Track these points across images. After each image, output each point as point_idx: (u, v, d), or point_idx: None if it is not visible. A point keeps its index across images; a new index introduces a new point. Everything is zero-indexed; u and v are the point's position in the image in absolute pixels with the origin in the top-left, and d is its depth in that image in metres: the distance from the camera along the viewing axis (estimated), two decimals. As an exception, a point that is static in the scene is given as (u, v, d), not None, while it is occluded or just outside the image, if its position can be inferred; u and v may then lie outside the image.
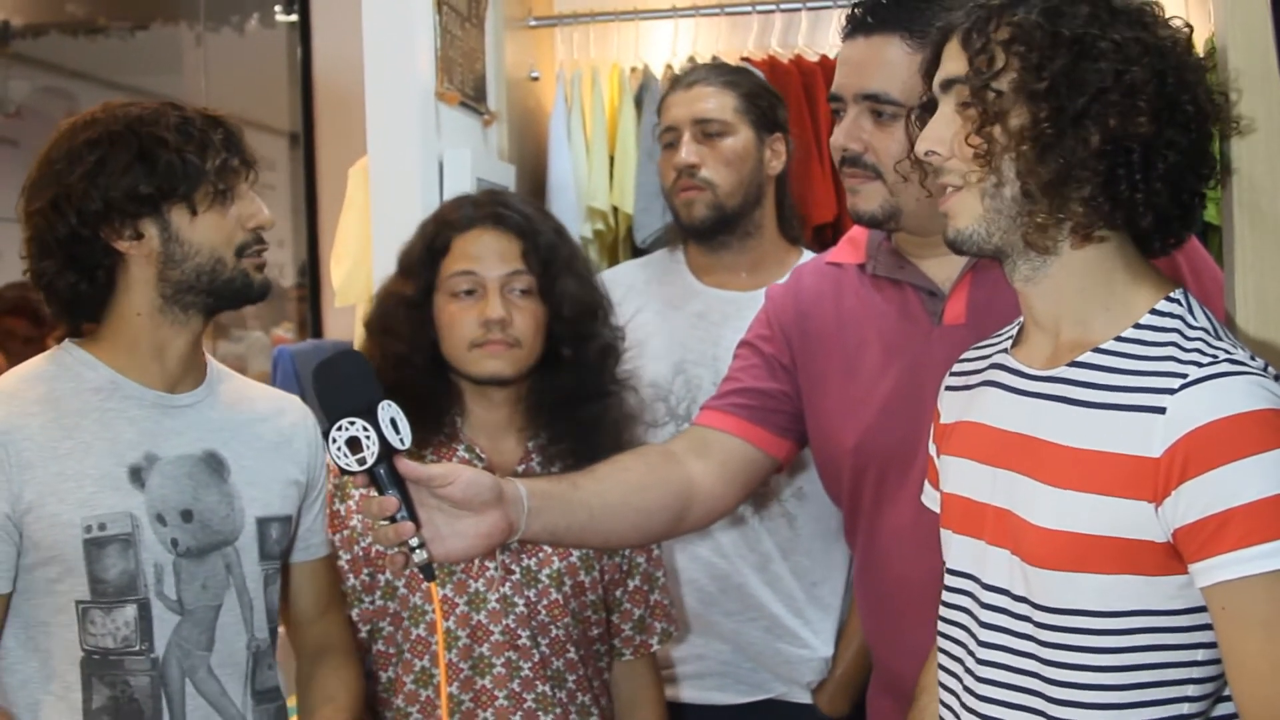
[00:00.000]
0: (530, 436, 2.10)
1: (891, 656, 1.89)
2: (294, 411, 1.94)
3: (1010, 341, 1.53)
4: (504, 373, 2.03)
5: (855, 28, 1.83)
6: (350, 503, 2.06)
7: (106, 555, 1.69)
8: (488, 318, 2.00)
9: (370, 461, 1.49)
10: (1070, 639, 1.36)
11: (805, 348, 1.95)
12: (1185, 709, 1.35)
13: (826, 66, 3.49)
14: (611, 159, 3.58)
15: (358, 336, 2.19)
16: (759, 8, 3.65)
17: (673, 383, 2.53)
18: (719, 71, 2.61)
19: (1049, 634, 1.38)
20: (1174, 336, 1.37)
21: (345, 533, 2.05)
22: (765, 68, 3.36)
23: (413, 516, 1.52)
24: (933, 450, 1.64)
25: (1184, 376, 1.32)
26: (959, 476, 1.52)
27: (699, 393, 2.47)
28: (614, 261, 3.51)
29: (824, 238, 3.27)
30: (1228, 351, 1.34)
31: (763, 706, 2.51)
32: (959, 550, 1.52)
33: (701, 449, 1.91)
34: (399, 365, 2.01)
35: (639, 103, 3.58)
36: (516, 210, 2.10)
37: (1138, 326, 1.39)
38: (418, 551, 1.52)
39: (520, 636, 2.00)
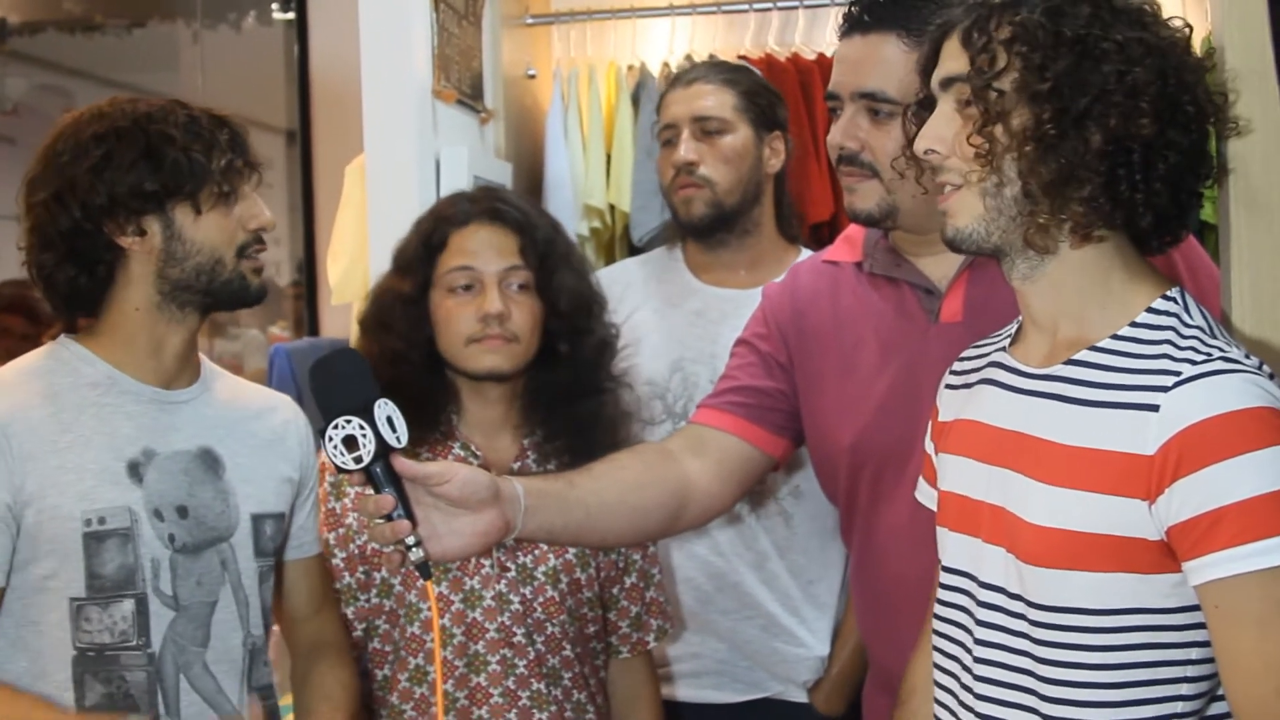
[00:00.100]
0: (526, 434, 2.10)
1: (887, 654, 1.89)
2: (286, 410, 1.94)
3: (1009, 340, 1.53)
4: (502, 368, 2.02)
5: (852, 26, 1.83)
6: (346, 500, 2.05)
7: (105, 550, 1.69)
8: (486, 312, 2.00)
9: (367, 460, 1.49)
10: (1064, 637, 1.36)
11: (802, 346, 1.95)
12: (1179, 707, 1.35)
13: (823, 65, 3.49)
14: (608, 157, 3.58)
15: (354, 335, 2.19)
16: (756, 6, 3.65)
17: (670, 380, 2.53)
18: (718, 69, 2.62)
19: (1043, 632, 1.38)
20: (1169, 335, 1.37)
21: (341, 530, 2.05)
22: (762, 66, 3.36)
23: (409, 515, 1.52)
24: (930, 448, 1.64)
25: (1178, 374, 1.32)
26: (956, 474, 1.52)
27: (696, 391, 2.47)
28: (610, 260, 3.51)
29: (821, 236, 3.27)
30: (1222, 350, 1.34)
31: (759, 705, 2.51)
32: (955, 548, 1.52)
33: (698, 447, 1.91)
34: (395, 362, 2.01)
35: (636, 101, 3.58)
36: (513, 206, 2.10)
37: (1134, 325, 1.39)
38: (414, 550, 1.52)
39: (515, 634, 2.00)
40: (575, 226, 3.49)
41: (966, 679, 1.47)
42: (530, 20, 3.65)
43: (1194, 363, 1.32)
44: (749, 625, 2.48)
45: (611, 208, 3.58)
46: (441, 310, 2.05)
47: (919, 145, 1.45)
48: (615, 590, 2.14)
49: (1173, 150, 1.36)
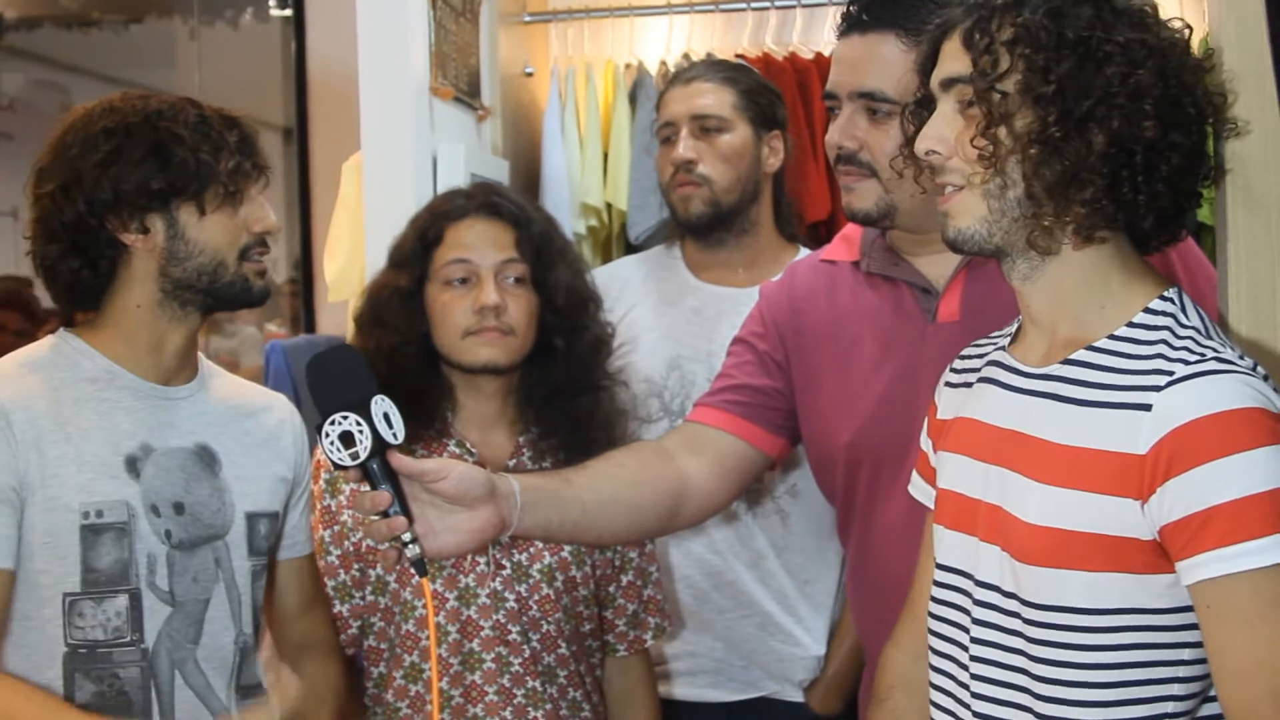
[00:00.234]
0: (521, 431, 2.10)
1: (884, 652, 1.89)
2: (281, 409, 1.94)
3: (1008, 339, 1.54)
4: (498, 361, 2.02)
5: (850, 25, 1.83)
6: (341, 498, 2.05)
7: (101, 543, 1.69)
8: (482, 304, 2.00)
9: (363, 456, 1.49)
10: (1058, 636, 1.36)
11: (799, 345, 1.95)
12: (1170, 708, 1.35)
13: (821, 64, 3.49)
14: (605, 155, 3.58)
15: (351, 332, 2.19)
16: (753, 5, 3.65)
17: (667, 378, 2.53)
18: (718, 68, 2.62)
19: (1038, 631, 1.38)
20: (1164, 335, 1.37)
21: (336, 528, 2.05)
22: (760, 65, 3.36)
23: (405, 511, 1.52)
24: (926, 445, 1.64)
25: (1171, 374, 1.32)
26: (954, 472, 1.52)
27: (693, 389, 2.47)
28: (607, 258, 3.51)
29: (818, 235, 3.27)
30: (1216, 350, 1.34)
31: (755, 704, 2.51)
32: (951, 546, 1.52)
33: (695, 445, 1.91)
34: (391, 357, 2.00)
35: (633, 99, 3.58)
36: (509, 200, 2.10)
37: (1131, 325, 1.39)
38: (410, 547, 1.52)
39: (511, 632, 2.00)
40: (572, 225, 3.49)
41: (963, 677, 1.47)
42: (528, 18, 3.65)
43: (1187, 363, 1.32)
44: (745, 624, 2.48)
45: (608, 206, 3.58)
46: (438, 304, 2.04)
47: (920, 146, 1.45)
48: (611, 588, 2.14)
49: (1175, 152, 1.37)
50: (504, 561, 2.02)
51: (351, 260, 3.15)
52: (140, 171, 1.70)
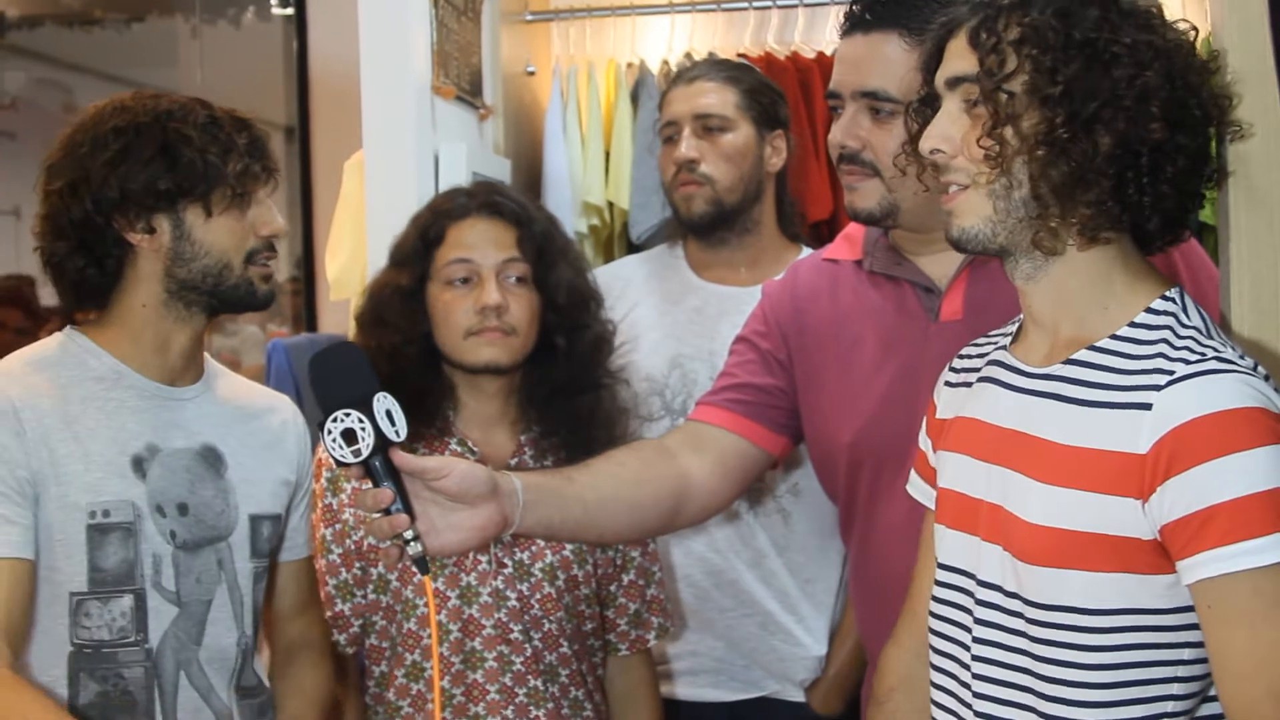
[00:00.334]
0: (523, 429, 2.10)
1: (887, 651, 1.89)
2: (284, 410, 1.94)
3: (1009, 338, 1.53)
4: (500, 360, 2.02)
5: (853, 25, 1.83)
6: (343, 496, 2.05)
7: (108, 543, 1.69)
8: (484, 304, 2.00)
9: (365, 453, 1.49)
10: (1060, 635, 1.36)
11: (801, 344, 1.95)
12: (1169, 707, 1.35)
13: (823, 63, 3.49)
14: (607, 154, 3.58)
15: (352, 331, 2.19)
16: (755, 4, 3.65)
17: (668, 377, 2.53)
18: (721, 68, 2.62)
19: (1040, 630, 1.38)
20: (1166, 334, 1.37)
21: (337, 527, 2.05)
22: (762, 64, 3.36)
23: (407, 509, 1.51)
24: (925, 445, 1.64)
25: (1171, 373, 1.32)
26: (955, 472, 1.52)
27: (695, 387, 2.47)
28: (609, 257, 3.51)
29: (820, 234, 3.27)
30: (1217, 350, 1.34)
31: (756, 704, 2.51)
32: (951, 546, 1.52)
33: (697, 444, 1.91)
34: (392, 357, 2.00)
35: (635, 98, 3.58)
36: (510, 199, 2.10)
37: (1132, 325, 1.39)
38: (412, 544, 1.51)
39: (512, 630, 2.00)
40: (574, 224, 3.49)
41: (965, 676, 1.47)
42: (530, 17, 3.65)
43: (1188, 362, 1.32)
44: (746, 623, 2.48)
45: (610, 205, 3.58)
46: (439, 303, 2.04)
47: (924, 144, 1.45)
48: (613, 587, 2.14)
49: (1181, 154, 1.37)
50: (506, 560, 2.02)
51: (353, 259, 3.15)
52: (148, 171, 1.70)
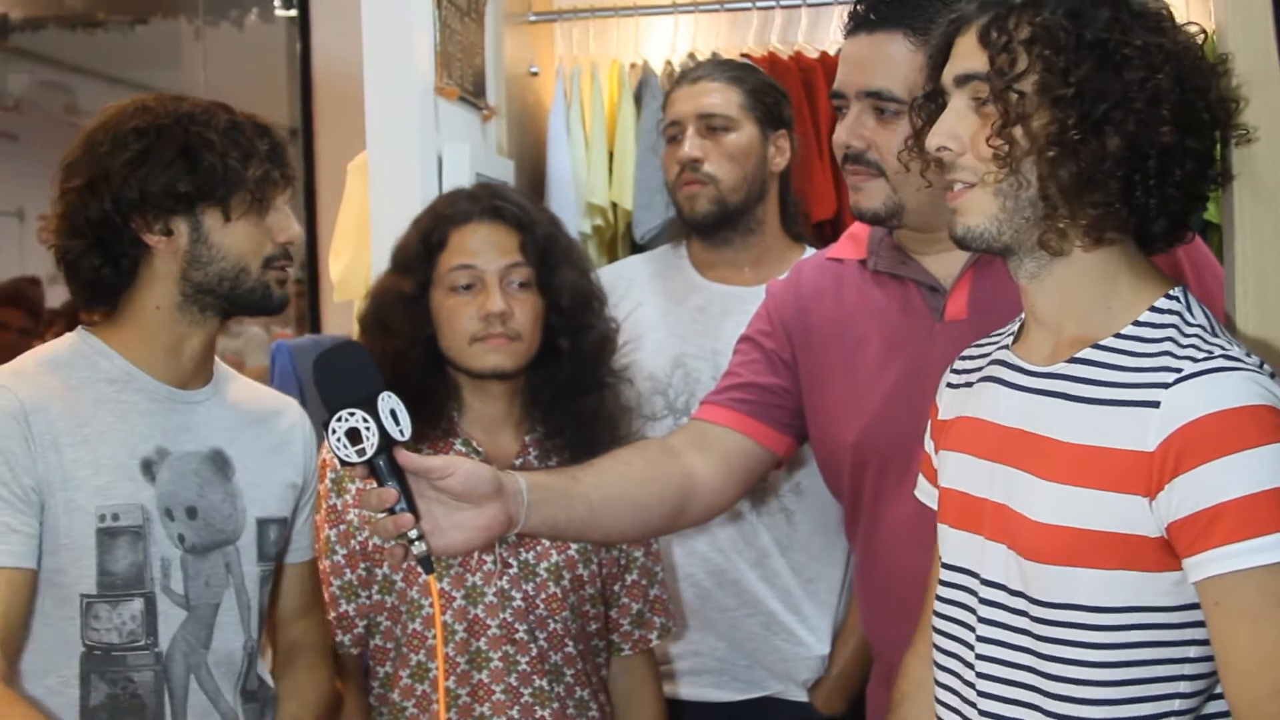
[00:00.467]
0: (527, 430, 2.10)
1: (893, 651, 1.88)
2: (292, 413, 1.94)
3: (1011, 338, 1.53)
4: (505, 366, 2.02)
5: (858, 25, 1.83)
6: (347, 497, 2.05)
7: (117, 546, 1.68)
8: (488, 311, 2.00)
9: (370, 453, 1.49)
10: (1066, 634, 1.36)
11: (806, 343, 1.95)
12: (1176, 705, 1.35)
13: (827, 63, 3.49)
14: (611, 155, 3.58)
15: (356, 333, 2.19)
16: (759, 4, 3.65)
17: (671, 376, 2.53)
18: (725, 67, 2.62)
19: (1045, 629, 1.38)
20: (1171, 333, 1.37)
21: (342, 527, 2.05)
22: (765, 64, 3.36)
23: (412, 509, 1.52)
24: (929, 446, 1.64)
25: (1179, 371, 1.32)
26: (957, 471, 1.52)
27: (698, 386, 2.47)
28: (613, 257, 3.51)
29: (824, 234, 3.27)
30: (1223, 348, 1.34)
31: (759, 704, 2.51)
32: (955, 545, 1.52)
33: (701, 443, 1.91)
34: (396, 361, 2.00)
35: (638, 99, 3.58)
36: (513, 203, 2.09)
37: (1137, 324, 1.39)
38: (417, 544, 1.52)
39: (518, 630, 2.00)
40: (577, 224, 3.49)
41: (969, 675, 1.47)
42: (533, 17, 3.65)
43: (1195, 360, 1.32)
44: (749, 622, 2.48)
45: (614, 205, 3.58)
46: (443, 310, 2.04)
47: (931, 142, 1.45)
48: (616, 587, 2.14)
49: (1189, 157, 1.37)
50: (511, 560, 2.02)
51: (357, 260, 3.15)
52: (168, 173, 1.69)
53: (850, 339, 1.90)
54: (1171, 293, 1.41)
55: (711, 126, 2.50)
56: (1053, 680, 1.38)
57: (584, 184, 3.55)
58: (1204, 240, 2.00)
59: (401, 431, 1.51)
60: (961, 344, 1.65)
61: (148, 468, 1.72)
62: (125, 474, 1.70)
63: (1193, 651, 1.34)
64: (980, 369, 1.56)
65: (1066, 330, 1.44)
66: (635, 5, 3.67)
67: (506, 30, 3.35)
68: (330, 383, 1.51)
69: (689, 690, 2.51)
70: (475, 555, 1.99)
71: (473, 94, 3.07)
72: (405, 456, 1.52)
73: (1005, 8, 1.40)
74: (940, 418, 1.61)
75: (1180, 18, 1.43)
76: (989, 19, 1.40)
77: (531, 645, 2.00)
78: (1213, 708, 1.37)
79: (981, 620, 1.46)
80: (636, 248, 3.45)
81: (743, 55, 3.46)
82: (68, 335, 1.80)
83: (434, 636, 1.99)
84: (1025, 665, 1.41)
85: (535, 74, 3.64)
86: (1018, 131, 1.37)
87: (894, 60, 1.78)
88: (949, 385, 1.62)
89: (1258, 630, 1.27)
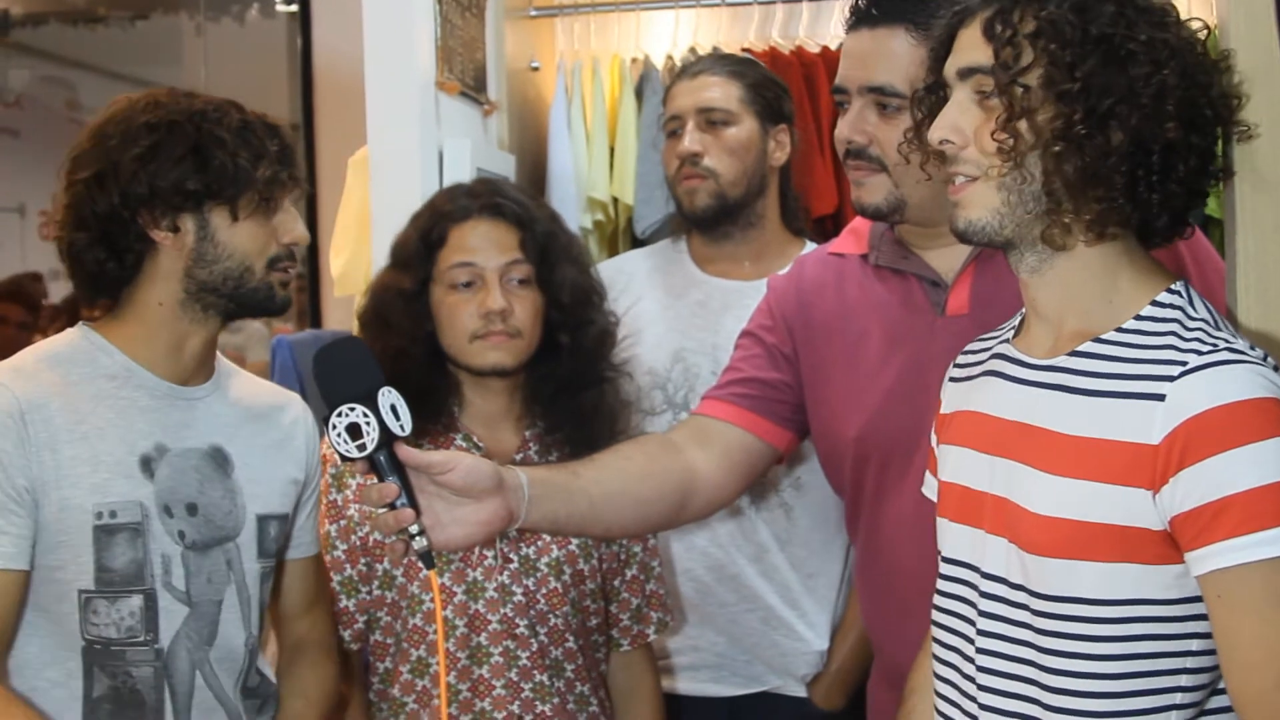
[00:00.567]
0: (527, 425, 2.10)
1: (894, 647, 1.89)
2: (294, 408, 1.93)
3: (1013, 332, 1.53)
4: (505, 364, 2.02)
5: (859, 19, 1.83)
6: (348, 492, 2.05)
7: (115, 543, 1.68)
8: (488, 309, 2.00)
9: (370, 448, 1.49)
10: (1067, 627, 1.36)
11: (807, 338, 1.95)
12: (1178, 698, 1.35)
13: (828, 58, 3.49)
14: (612, 150, 3.57)
15: (356, 327, 2.18)
16: (760, -1, 3.65)
17: (671, 371, 2.53)
18: (725, 62, 2.62)
19: (1046, 622, 1.38)
20: (1174, 326, 1.37)
21: (342, 522, 2.05)
22: (766, 59, 3.35)
23: (413, 503, 1.52)
24: (934, 441, 1.64)
25: (1184, 364, 1.32)
26: (957, 465, 1.52)
27: (697, 381, 2.47)
28: (614, 252, 3.51)
29: (825, 229, 3.27)
30: (1227, 341, 1.34)
31: (758, 699, 2.51)
32: (956, 539, 1.52)
33: (702, 438, 1.91)
34: (397, 358, 1.99)
35: (639, 94, 3.57)
36: (512, 199, 2.09)
37: (1138, 318, 1.39)
38: (417, 539, 1.52)
39: (518, 625, 2.00)
40: (578, 219, 3.49)
41: (968, 669, 1.47)
42: (534, 13, 3.64)
43: (1200, 353, 1.32)
44: (748, 617, 2.48)
45: (615, 200, 3.58)
46: (443, 307, 2.04)
47: (934, 135, 1.44)
48: (616, 582, 2.14)
49: (1192, 153, 1.37)
50: (511, 555, 2.02)
51: (357, 255, 3.15)
52: (178, 170, 1.69)
53: (852, 334, 1.90)
54: (1173, 287, 1.41)
55: (711, 121, 2.50)
56: (1053, 674, 1.38)
57: (585, 179, 3.54)
58: (1205, 235, 2.00)
59: (402, 427, 1.51)
60: (963, 339, 1.65)
61: (146, 464, 1.72)
62: (123, 471, 1.70)
63: (1195, 645, 1.34)
64: (982, 363, 1.56)
65: (1068, 324, 1.44)
66: (636, 0, 3.66)
67: (507, 25, 3.35)
68: (330, 378, 1.51)
69: (688, 685, 2.52)
70: (476, 550, 1.99)
71: (474, 89, 3.07)
72: (406, 452, 1.52)
73: (1009, 1, 1.39)
74: (943, 412, 1.61)
75: (1183, 13, 1.43)
76: (993, 12, 1.40)
77: (532, 640, 2.00)
78: (1215, 703, 1.37)
79: (981, 614, 1.46)
80: (637, 243, 3.45)
81: (744, 50, 3.46)
82: (69, 331, 1.79)
83: (434, 631, 1.99)
84: (1025, 659, 1.41)
85: (536, 69, 3.64)
86: (1022, 125, 1.37)
87: (896, 55, 1.78)
88: (951, 379, 1.62)
89: (1262, 623, 1.27)
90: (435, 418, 2.05)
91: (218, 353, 1.87)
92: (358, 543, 2.04)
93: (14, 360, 1.74)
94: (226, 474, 1.79)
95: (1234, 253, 1.60)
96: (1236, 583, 1.27)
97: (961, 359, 1.62)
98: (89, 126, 1.75)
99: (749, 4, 3.66)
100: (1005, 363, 1.50)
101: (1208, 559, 1.28)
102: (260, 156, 1.72)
